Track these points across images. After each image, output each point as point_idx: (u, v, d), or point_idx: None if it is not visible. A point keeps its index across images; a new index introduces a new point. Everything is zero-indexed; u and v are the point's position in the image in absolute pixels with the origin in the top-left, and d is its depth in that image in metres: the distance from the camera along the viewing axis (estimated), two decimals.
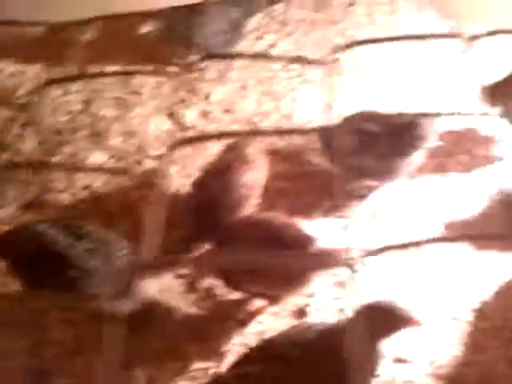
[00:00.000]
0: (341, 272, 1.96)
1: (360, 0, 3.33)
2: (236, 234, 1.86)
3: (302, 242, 1.78)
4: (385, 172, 2.18)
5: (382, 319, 1.43)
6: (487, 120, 2.33)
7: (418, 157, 2.15)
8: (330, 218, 2.20)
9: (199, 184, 2.10)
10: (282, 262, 1.73)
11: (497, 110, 2.12)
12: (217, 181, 2.04)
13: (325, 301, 1.94)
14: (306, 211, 2.21)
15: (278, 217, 1.90)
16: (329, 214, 2.22)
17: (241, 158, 2.11)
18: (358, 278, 1.98)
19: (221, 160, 2.14)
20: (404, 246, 1.18)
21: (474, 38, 0.89)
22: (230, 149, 2.16)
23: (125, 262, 1.82)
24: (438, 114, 2.38)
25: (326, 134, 2.22)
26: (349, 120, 2.20)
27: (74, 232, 1.84)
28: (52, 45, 2.97)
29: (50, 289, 1.78)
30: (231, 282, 1.84)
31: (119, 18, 2.65)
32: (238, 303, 1.93)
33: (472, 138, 2.44)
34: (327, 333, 1.50)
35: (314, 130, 2.47)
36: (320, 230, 2.08)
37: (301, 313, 1.92)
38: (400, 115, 2.24)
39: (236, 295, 1.93)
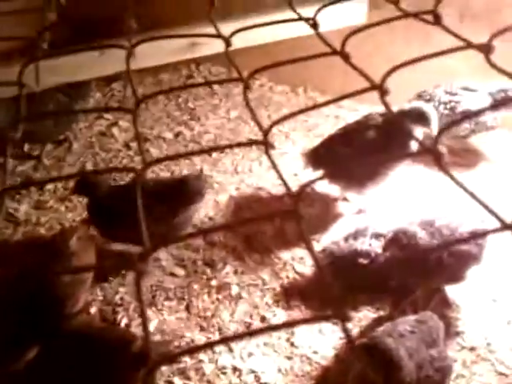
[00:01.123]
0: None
1: (197, 74, 3.38)
2: (58, 342, 1.73)
3: (124, 343, 1.67)
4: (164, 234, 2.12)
5: None
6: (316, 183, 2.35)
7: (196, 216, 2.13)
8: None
9: (19, 285, 1.93)
10: (104, 366, 1.62)
11: (318, 172, 2.15)
12: (37, 280, 1.89)
13: None
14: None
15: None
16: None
17: (63, 250, 1.98)
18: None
19: (41, 255, 2.01)
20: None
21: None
22: (51, 241, 2.03)
23: None
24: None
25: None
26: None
27: None
28: None
29: None
30: None
31: None
32: None
33: (307, 199, 2.47)
34: None
35: None
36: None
37: None
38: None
39: None
